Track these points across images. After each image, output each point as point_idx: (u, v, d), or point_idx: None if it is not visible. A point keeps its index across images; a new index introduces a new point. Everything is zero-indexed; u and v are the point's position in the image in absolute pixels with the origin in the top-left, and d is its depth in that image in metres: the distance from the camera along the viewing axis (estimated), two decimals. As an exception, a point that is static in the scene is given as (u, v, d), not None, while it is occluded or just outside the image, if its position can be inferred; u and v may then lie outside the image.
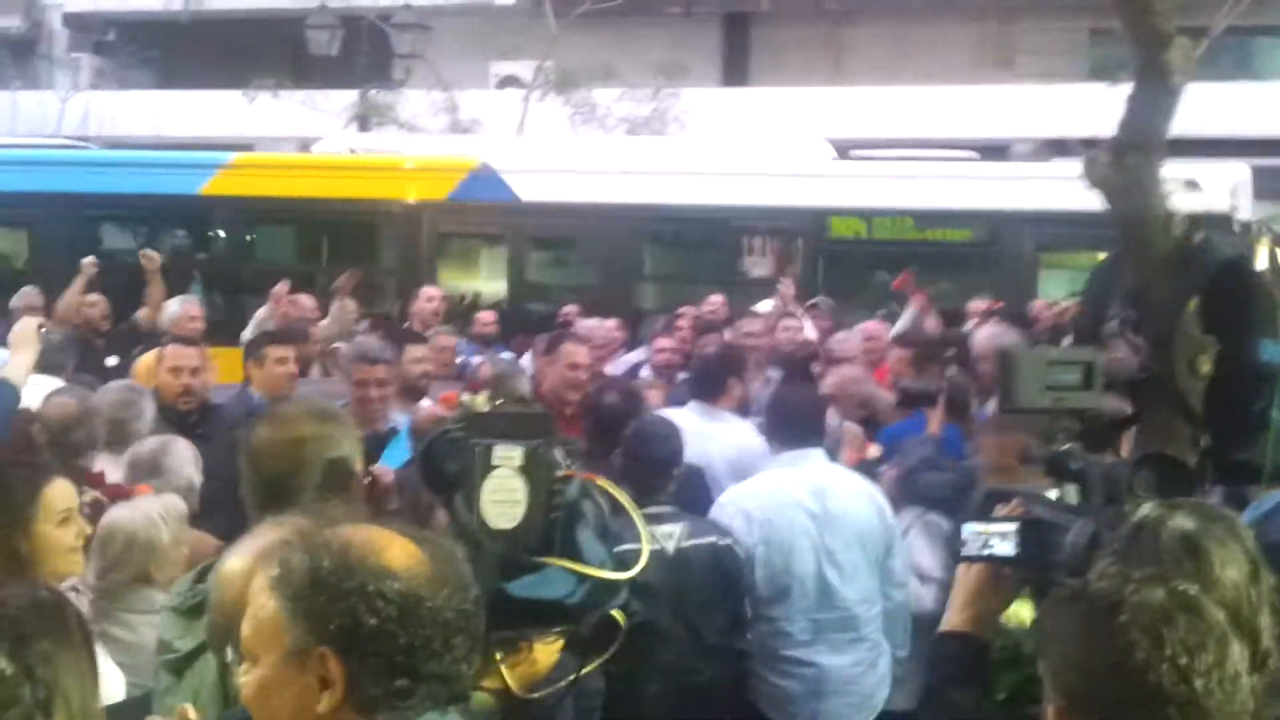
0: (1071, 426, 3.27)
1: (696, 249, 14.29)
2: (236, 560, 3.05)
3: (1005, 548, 3.12)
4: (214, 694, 3.06)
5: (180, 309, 10.05)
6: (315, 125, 21.08)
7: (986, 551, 3.13)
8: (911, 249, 12.77)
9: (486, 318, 11.78)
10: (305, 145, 24.45)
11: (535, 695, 2.97)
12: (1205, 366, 3.80)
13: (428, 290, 11.31)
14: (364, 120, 21.29)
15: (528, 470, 2.85)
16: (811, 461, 5.62)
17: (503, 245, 14.40)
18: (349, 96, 21.20)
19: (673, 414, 6.43)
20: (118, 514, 4.38)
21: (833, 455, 5.91)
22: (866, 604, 5.42)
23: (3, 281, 12.99)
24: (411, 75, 21.29)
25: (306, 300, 10.87)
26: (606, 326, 10.49)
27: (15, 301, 10.78)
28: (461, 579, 2.30)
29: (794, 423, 5.82)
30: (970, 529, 3.16)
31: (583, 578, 2.85)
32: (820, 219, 13.17)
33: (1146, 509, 2.76)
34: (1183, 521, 2.68)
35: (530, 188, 13.18)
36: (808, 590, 5.40)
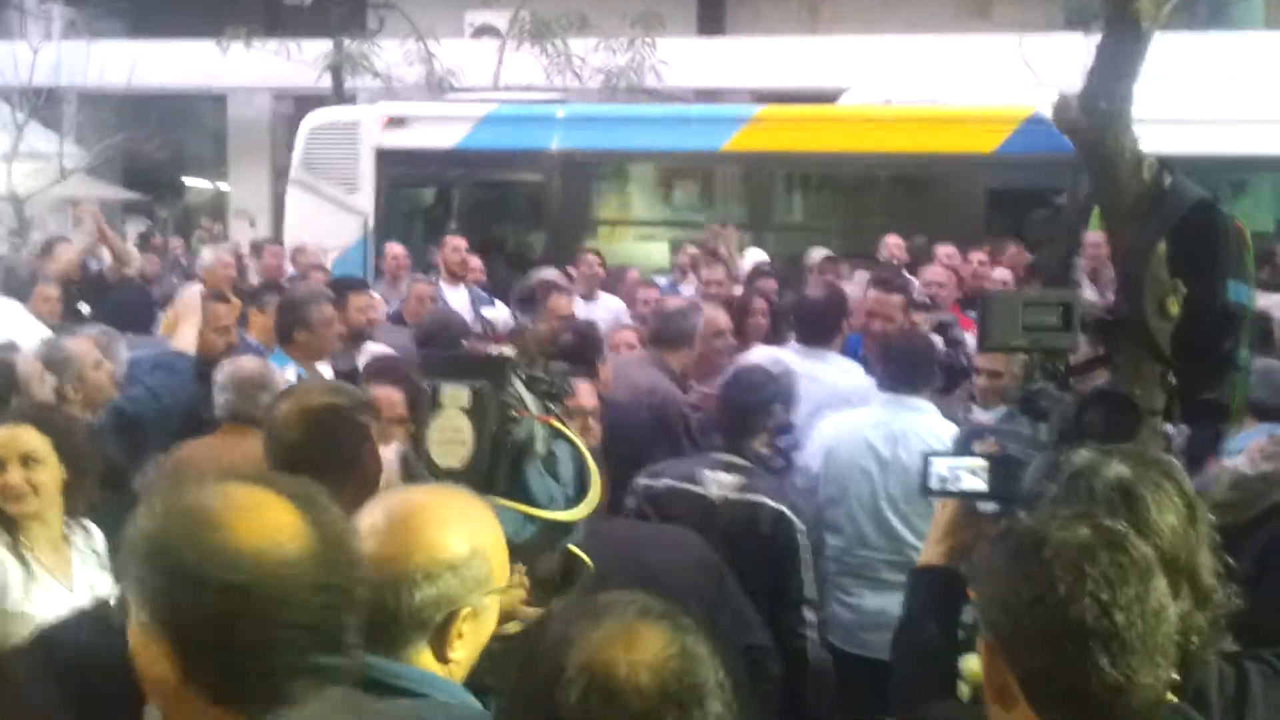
0: (1050, 366, 3.34)
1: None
2: None
3: (975, 483, 3.18)
4: None
5: (214, 258, 10.00)
6: (290, 75, 21.01)
7: (955, 487, 3.20)
8: None
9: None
10: (280, 95, 24.52)
11: (502, 631, 3.01)
12: (1174, 308, 3.84)
13: (453, 240, 11.43)
14: (338, 71, 21.19)
15: (474, 411, 2.89)
16: (903, 407, 5.80)
17: (1061, 200, 13.20)
18: (323, 46, 21.08)
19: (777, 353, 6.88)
20: None
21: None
22: None
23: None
24: (386, 24, 21.22)
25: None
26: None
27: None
28: (333, 561, 2.03)
29: (896, 367, 6.02)
30: (937, 464, 3.22)
31: (529, 518, 2.90)
32: None
33: (1082, 456, 2.82)
34: (1117, 468, 2.74)
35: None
36: (861, 527, 5.66)
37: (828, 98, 22.99)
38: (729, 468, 5.26)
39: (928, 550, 3.29)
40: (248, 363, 5.71)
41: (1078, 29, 17.82)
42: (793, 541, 5.12)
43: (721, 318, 7.71)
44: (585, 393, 5.24)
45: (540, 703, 2.00)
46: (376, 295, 8.88)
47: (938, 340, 7.74)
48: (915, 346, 6.35)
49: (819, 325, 7.12)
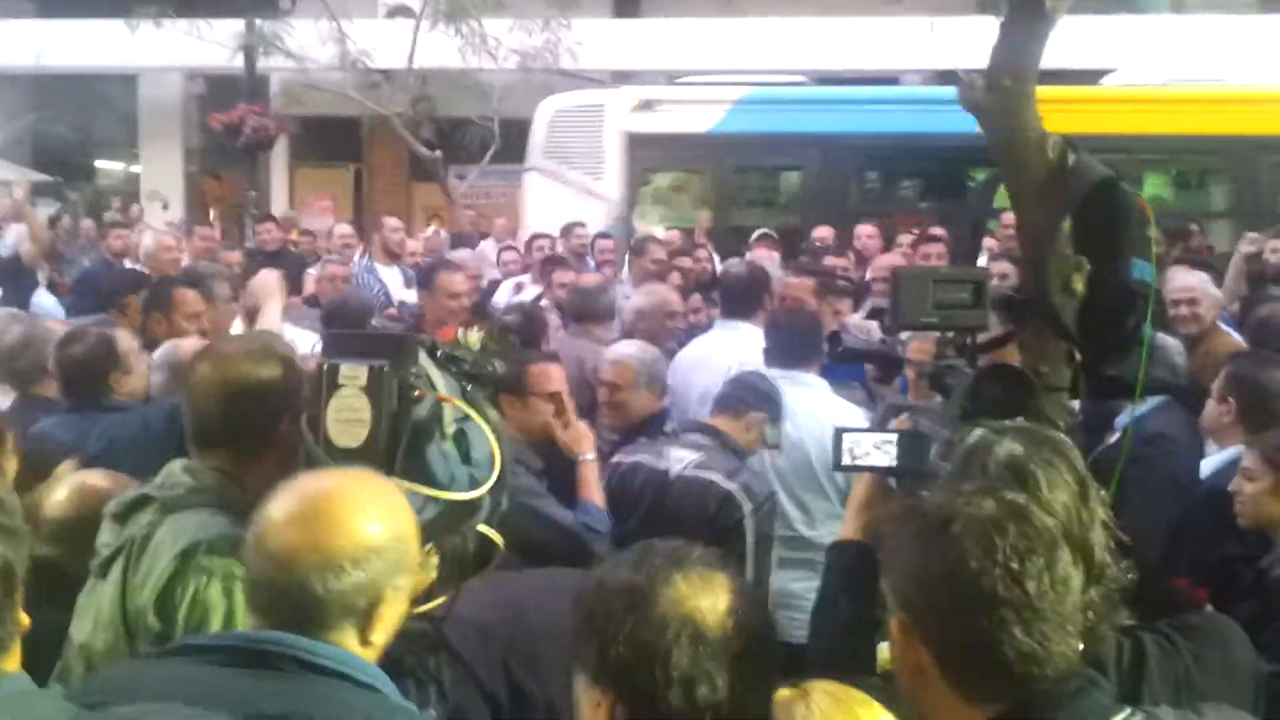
0: (961, 343, 3.38)
1: None
2: None
3: (883, 458, 3.22)
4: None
5: (155, 243, 9.94)
6: (200, 54, 20.77)
7: (864, 462, 3.23)
8: None
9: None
10: (192, 76, 24.22)
11: (414, 612, 3.01)
12: (1078, 285, 3.89)
13: (390, 220, 11.82)
14: (250, 51, 20.97)
15: (371, 390, 2.88)
16: (792, 383, 5.99)
17: None
18: (235, 26, 20.85)
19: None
20: None
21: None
22: (816, 528, 5.64)
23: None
24: (298, 4, 21.03)
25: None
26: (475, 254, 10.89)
27: None
28: None
29: (782, 343, 6.30)
30: (848, 440, 3.26)
31: (429, 498, 2.90)
32: None
33: (976, 433, 2.87)
34: (1010, 446, 2.80)
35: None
36: None
37: (745, 81, 23.14)
38: (696, 446, 5.33)
39: (844, 525, 3.33)
40: (187, 344, 5.70)
41: (989, 13, 18.12)
42: (737, 523, 5.14)
43: (673, 297, 8.08)
44: (550, 375, 5.28)
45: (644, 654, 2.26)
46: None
47: (872, 326, 7.87)
48: (800, 322, 6.54)
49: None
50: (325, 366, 2.96)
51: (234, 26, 20.84)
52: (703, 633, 2.26)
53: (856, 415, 5.93)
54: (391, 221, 11.67)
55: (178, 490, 3.16)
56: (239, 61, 21.04)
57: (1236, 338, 7.54)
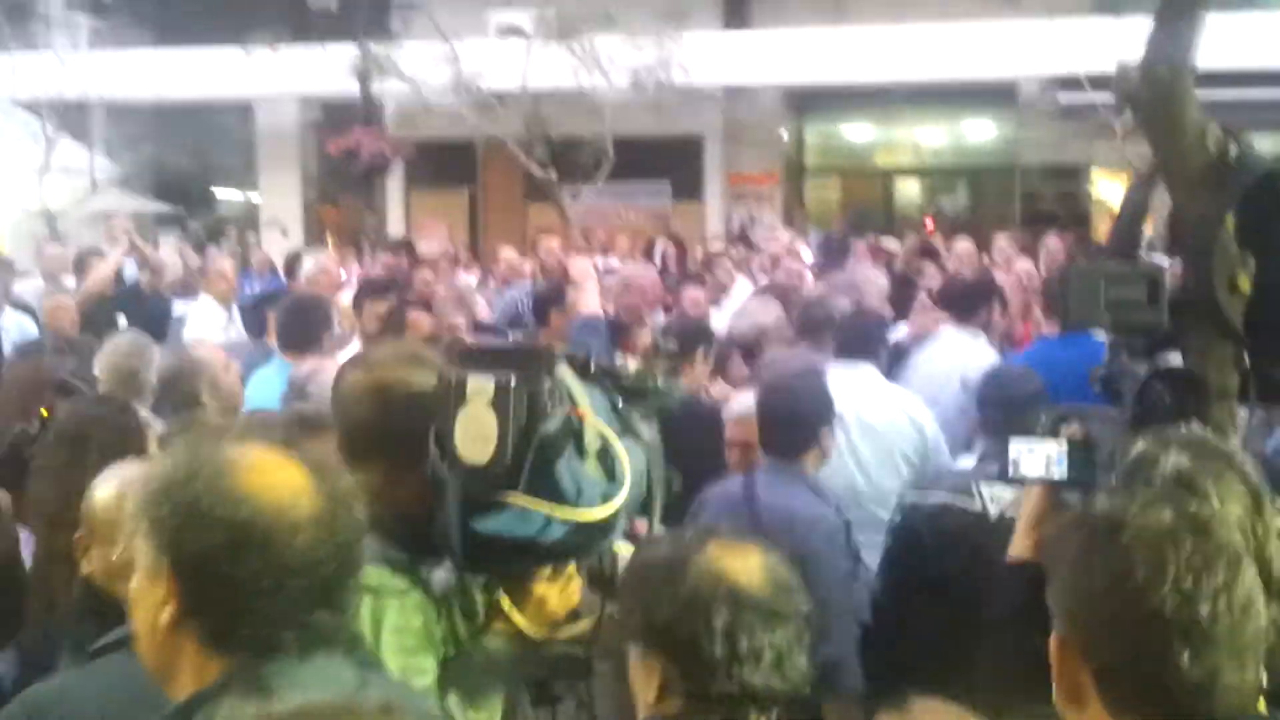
0: (1135, 344, 3.19)
1: None
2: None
3: (1055, 470, 3.03)
4: None
5: (315, 267, 10.15)
6: (315, 80, 20.96)
7: (1035, 473, 3.05)
8: None
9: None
10: (306, 102, 24.47)
11: (555, 637, 2.91)
12: (1244, 283, 3.69)
13: (547, 241, 12.63)
14: (364, 75, 21.11)
15: (499, 404, 2.76)
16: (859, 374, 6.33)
17: None
18: (348, 50, 21.00)
19: None
20: None
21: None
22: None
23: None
24: (410, 27, 21.13)
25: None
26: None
27: None
28: (338, 521, 2.16)
29: (848, 339, 6.72)
30: (1017, 447, 3.07)
31: (550, 516, 2.79)
32: None
33: (1142, 445, 2.68)
34: (1177, 458, 2.61)
35: None
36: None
37: (856, 91, 22.91)
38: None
39: (1016, 542, 3.14)
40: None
41: (1107, 13, 17.75)
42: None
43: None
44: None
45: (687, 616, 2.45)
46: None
47: None
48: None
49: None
50: (453, 379, 2.85)
51: (347, 51, 20.97)
52: (739, 590, 2.44)
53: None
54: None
55: None
56: (354, 86, 21.18)
57: None
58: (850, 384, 6.17)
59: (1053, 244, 12.27)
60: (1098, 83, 19.90)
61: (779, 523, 5.01)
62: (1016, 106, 23.89)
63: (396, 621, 2.82)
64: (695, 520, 5.14)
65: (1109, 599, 2.07)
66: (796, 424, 5.33)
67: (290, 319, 7.36)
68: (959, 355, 7.46)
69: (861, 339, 6.90)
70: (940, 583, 4.65)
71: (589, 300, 5.83)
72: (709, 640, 2.41)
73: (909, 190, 26.55)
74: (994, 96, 23.80)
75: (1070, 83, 20.05)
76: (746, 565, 2.50)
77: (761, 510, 5.15)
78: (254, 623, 2.08)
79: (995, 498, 4.87)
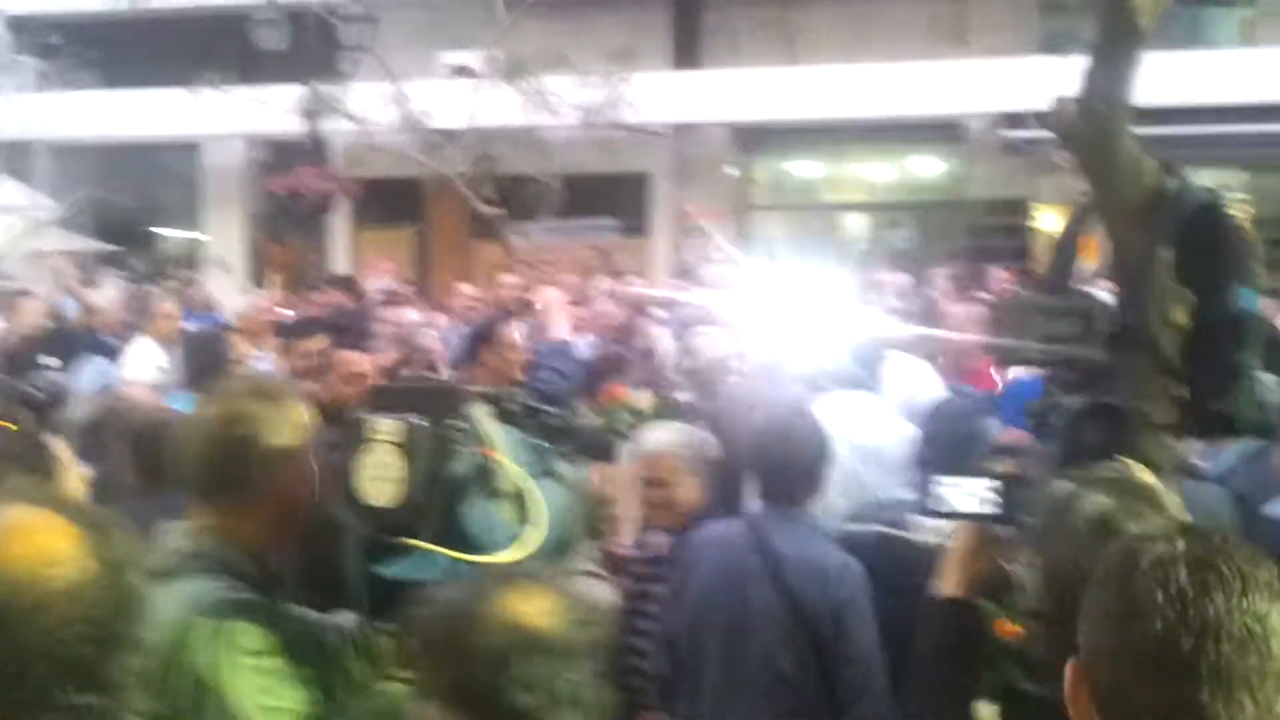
0: (1068, 378, 3.16)
1: None
2: None
3: (987, 506, 2.99)
4: None
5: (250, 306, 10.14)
6: (262, 121, 20.86)
7: (964, 509, 3.01)
8: None
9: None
10: (253, 141, 24.38)
11: None
12: (1180, 316, 3.67)
13: (508, 277, 13.07)
14: (313, 115, 21.03)
15: (406, 446, 2.69)
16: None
17: None
18: (296, 91, 20.92)
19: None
20: None
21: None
22: None
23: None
24: (360, 67, 21.07)
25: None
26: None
27: None
28: (105, 592, 1.94)
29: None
30: (945, 484, 3.03)
31: (458, 561, 2.73)
32: None
33: (1062, 486, 2.63)
34: (1098, 500, 2.54)
35: None
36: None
37: (805, 129, 23.03)
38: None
39: (945, 580, 3.08)
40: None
41: (1052, 52, 17.90)
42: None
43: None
44: None
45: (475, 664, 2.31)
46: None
47: None
48: None
49: None
50: (355, 420, 2.79)
51: (294, 91, 20.89)
52: (539, 635, 2.32)
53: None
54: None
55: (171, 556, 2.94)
56: (302, 125, 21.09)
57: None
58: (850, 410, 6.03)
59: (998, 276, 12.35)
60: (1042, 119, 20.10)
61: (810, 575, 4.91)
62: (963, 143, 24.03)
63: (247, 662, 2.75)
64: (691, 568, 5.08)
65: (1113, 627, 1.95)
66: (803, 466, 5.16)
67: (189, 356, 7.39)
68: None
69: (860, 364, 6.87)
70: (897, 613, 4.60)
71: (558, 326, 5.78)
72: (514, 691, 2.30)
73: (856, 226, 26.62)
74: (940, 133, 23.92)
75: (1015, 119, 20.21)
76: (542, 608, 2.37)
77: (785, 562, 4.97)
78: (3, 708, 1.86)
79: (935, 530, 4.90)
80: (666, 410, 6.45)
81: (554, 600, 2.41)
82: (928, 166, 25.73)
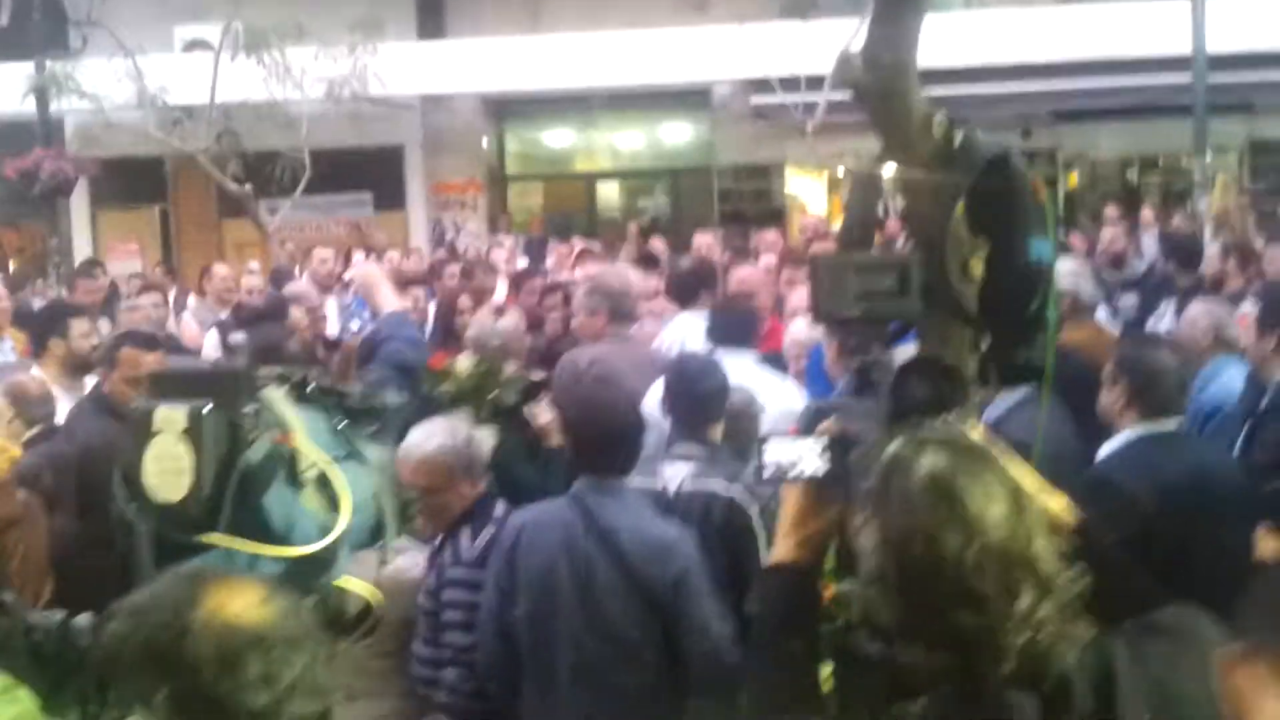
0: (885, 334, 3.12)
1: None
2: None
3: (812, 467, 2.93)
4: None
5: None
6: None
7: (794, 472, 2.94)
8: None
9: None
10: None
11: None
12: (977, 268, 3.67)
13: (320, 252, 12.79)
14: (43, 93, 20.12)
15: (193, 434, 2.50)
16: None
17: None
18: (24, 69, 19.99)
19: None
20: None
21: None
22: None
23: None
24: (90, 43, 20.25)
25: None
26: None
27: None
28: None
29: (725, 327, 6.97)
30: (771, 447, 2.96)
31: (259, 555, 2.56)
32: None
33: (894, 447, 2.59)
34: (932, 460, 2.50)
35: None
36: None
37: (554, 98, 22.94)
38: (689, 457, 5.28)
39: (778, 545, 3.01)
40: None
41: (794, 17, 18.12)
42: (746, 528, 5.15)
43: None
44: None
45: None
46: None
47: None
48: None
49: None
50: (138, 410, 2.58)
51: (24, 69, 19.97)
52: (260, 631, 2.28)
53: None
54: (320, 253, 12.87)
55: None
56: (30, 105, 20.16)
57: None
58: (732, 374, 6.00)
59: (769, 239, 12.54)
60: (788, 84, 20.38)
61: (647, 550, 4.93)
62: (711, 110, 24.24)
63: None
64: (521, 553, 5.04)
65: None
66: (620, 436, 5.13)
67: None
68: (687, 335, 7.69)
69: (738, 326, 6.95)
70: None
71: (386, 298, 5.59)
72: (246, 692, 2.25)
73: (609, 194, 26.70)
74: (689, 101, 24.10)
75: (762, 85, 20.43)
76: (251, 602, 2.30)
77: (620, 538, 4.95)
78: None
79: (674, 475, 5.06)
80: (489, 377, 6.33)
81: (258, 593, 2.33)
82: (678, 133, 25.93)
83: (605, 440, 5.10)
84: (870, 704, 2.78)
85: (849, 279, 3.13)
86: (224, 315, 10.91)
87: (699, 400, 5.48)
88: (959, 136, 3.78)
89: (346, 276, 11.65)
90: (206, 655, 2.24)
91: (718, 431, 5.51)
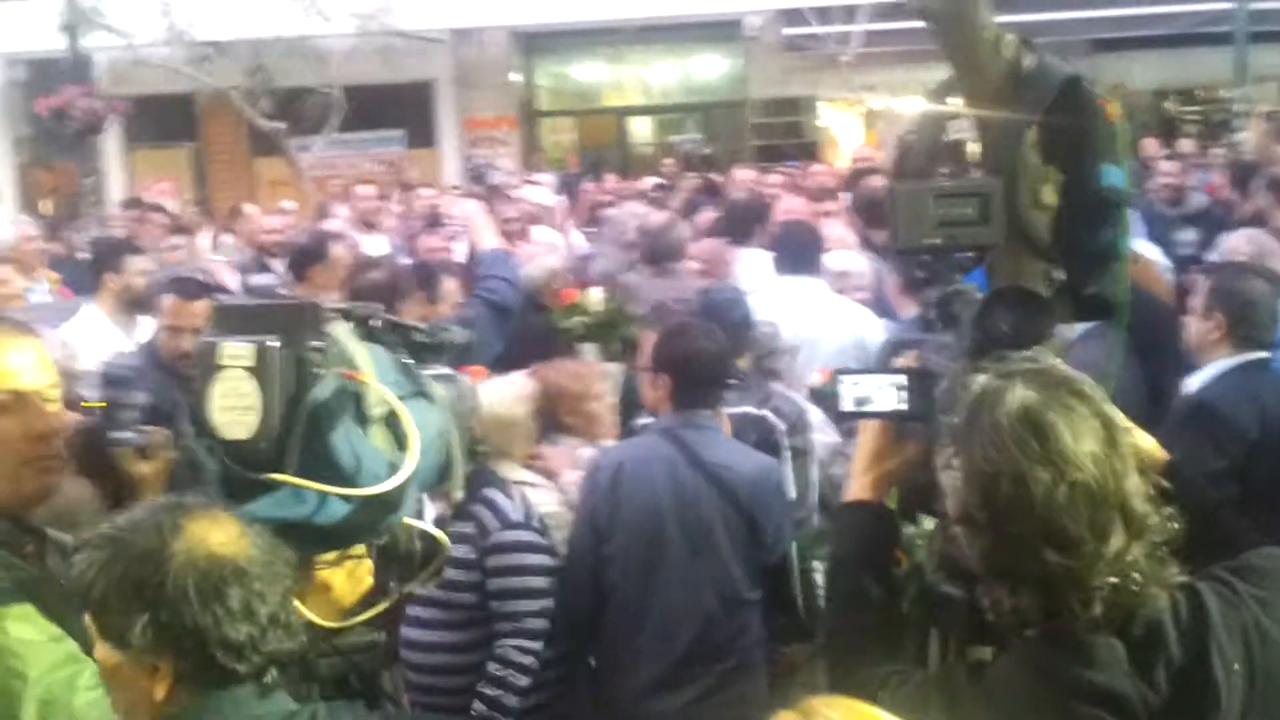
0: (968, 265, 3.02)
1: None
2: None
3: (892, 402, 2.84)
4: None
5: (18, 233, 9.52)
6: (20, 37, 19.87)
7: (869, 408, 2.84)
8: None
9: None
10: (12, 61, 23.22)
11: (344, 625, 2.61)
12: (1049, 196, 3.56)
13: (362, 189, 12.58)
14: (73, 30, 20.01)
15: (260, 371, 2.42)
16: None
17: None
18: (54, 4, 19.87)
19: None
20: None
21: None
22: None
23: None
24: (118, -23, 20.11)
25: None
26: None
27: None
28: None
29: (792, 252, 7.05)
30: (846, 382, 2.86)
31: (324, 495, 2.48)
32: None
33: (980, 381, 2.48)
34: (1021, 394, 2.40)
35: None
36: None
37: (583, 31, 22.67)
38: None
39: (854, 482, 2.92)
40: None
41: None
42: (774, 444, 5.42)
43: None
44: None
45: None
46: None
47: None
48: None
49: None
50: (201, 345, 2.49)
51: (53, 5, 19.85)
52: (239, 563, 2.30)
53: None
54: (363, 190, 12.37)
55: None
56: (61, 42, 20.07)
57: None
58: (799, 300, 6.21)
59: (817, 170, 12.43)
60: (821, 15, 20.17)
61: (742, 482, 5.07)
62: (742, 41, 23.99)
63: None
64: (617, 485, 5.10)
65: None
66: (716, 370, 5.26)
67: None
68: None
69: (804, 253, 6.93)
70: None
71: (487, 236, 5.53)
72: (225, 625, 2.28)
73: (642, 129, 26.51)
74: (720, 32, 23.85)
75: (794, 16, 20.21)
76: (229, 535, 2.33)
77: (719, 471, 5.06)
78: None
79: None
80: (618, 313, 6.47)
81: (237, 525, 2.36)
82: (709, 67, 25.68)
83: (703, 374, 5.20)
84: (949, 646, 2.71)
85: (929, 207, 3.03)
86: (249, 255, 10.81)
87: (728, 331, 5.54)
88: (1030, 59, 3.66)
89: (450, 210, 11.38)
90: (188, 585, 2.26)
91: (744, 360, 5.76)
